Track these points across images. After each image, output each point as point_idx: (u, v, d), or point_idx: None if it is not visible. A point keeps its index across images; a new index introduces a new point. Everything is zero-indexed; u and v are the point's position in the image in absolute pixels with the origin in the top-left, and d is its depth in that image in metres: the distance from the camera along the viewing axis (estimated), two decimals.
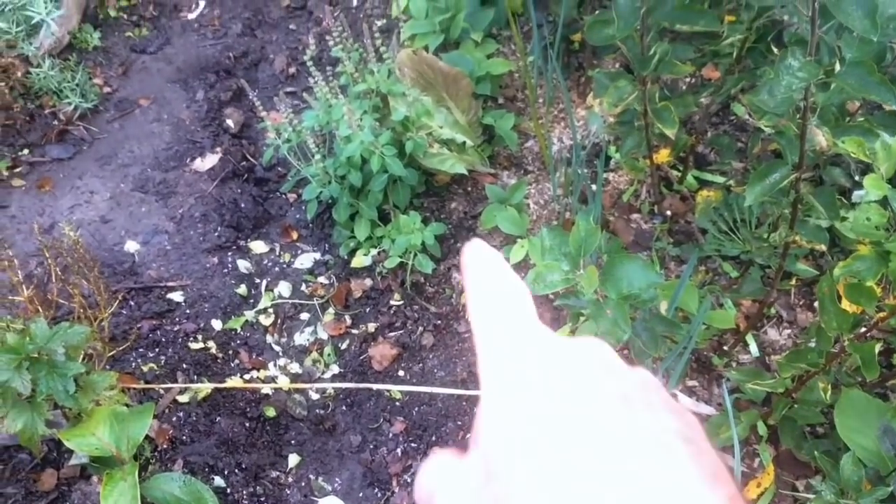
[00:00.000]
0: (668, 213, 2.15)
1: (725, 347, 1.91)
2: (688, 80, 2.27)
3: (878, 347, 1.34)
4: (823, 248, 1.62)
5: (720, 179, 2.18)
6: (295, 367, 2.06)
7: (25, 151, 2.45)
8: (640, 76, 1.64)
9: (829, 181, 1.89)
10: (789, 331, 1.96)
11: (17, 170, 2.41)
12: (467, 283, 0.37)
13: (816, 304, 1.82)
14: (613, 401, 0.30)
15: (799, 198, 1.50)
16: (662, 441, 0.29)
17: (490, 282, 0.37)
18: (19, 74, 2.47)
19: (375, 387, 1.99)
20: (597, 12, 2.42)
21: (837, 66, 1.31)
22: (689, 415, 0.32)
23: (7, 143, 2.45)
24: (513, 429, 0.29)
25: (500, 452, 0.29)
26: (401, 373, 2.03)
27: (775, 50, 1.75)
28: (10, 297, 1.86)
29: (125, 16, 2.85)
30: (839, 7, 1.15)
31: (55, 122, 2.51)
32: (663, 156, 2.10)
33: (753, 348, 1.91)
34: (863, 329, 1.39)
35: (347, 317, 2.14)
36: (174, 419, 1.91)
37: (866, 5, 1.13)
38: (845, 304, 1.43)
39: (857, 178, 1.96)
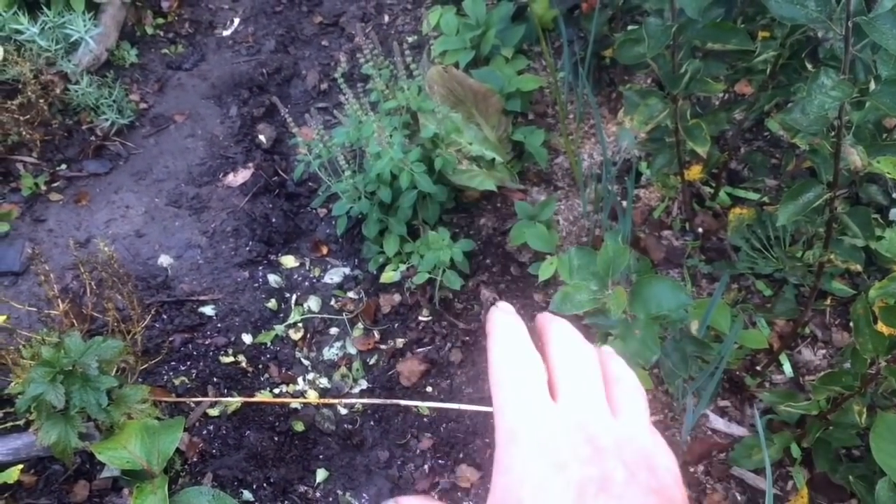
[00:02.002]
0: (700, 230, 2.12)
1: (758, 367, 1.88)
2: (721, 96, 2.24)
3: None
4: (859, 268, 1.59)
5: (754, 196, 2.16)
6: (324, 382, 2.07)
7: (63, 166, 2.50)
8: (672, 94, 1.63)
9: (866, 199, 1.85)
10: (824, 351, 1.92)
11: (56, 184, 2.46)
12: (493, 343, 0.43)
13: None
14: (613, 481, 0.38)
15: (833, 217, 1.47)
16: None
17: (514, 346, 0.43)
18: (58, 91, 2.52)
19: (403, 402, 1.99)
20: (629, 28, 2.42)
21: (872, 85, 1.29)
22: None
23: (46, 158, 2.51)
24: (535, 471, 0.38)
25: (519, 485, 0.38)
26: (429, 389, 2.03)
27: (809, 66, 1.73)
28: (46, 311, 1.89)
29: (161, 33, 2.90)
30: (873, 26, 1.13)
31: (92, 138, 2.56)
32: (695, 172, 2.09)
33: (787, 369, 1.88)
34: None
35: (376, 332, 2.14)
36: (204, 432, 1.92)
37: None
38: (881, 326, 1.40)
39: (894, 195, 1.92)
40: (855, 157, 1.35)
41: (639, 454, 0.40)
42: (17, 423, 1.83)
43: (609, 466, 0.38)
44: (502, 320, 0.44)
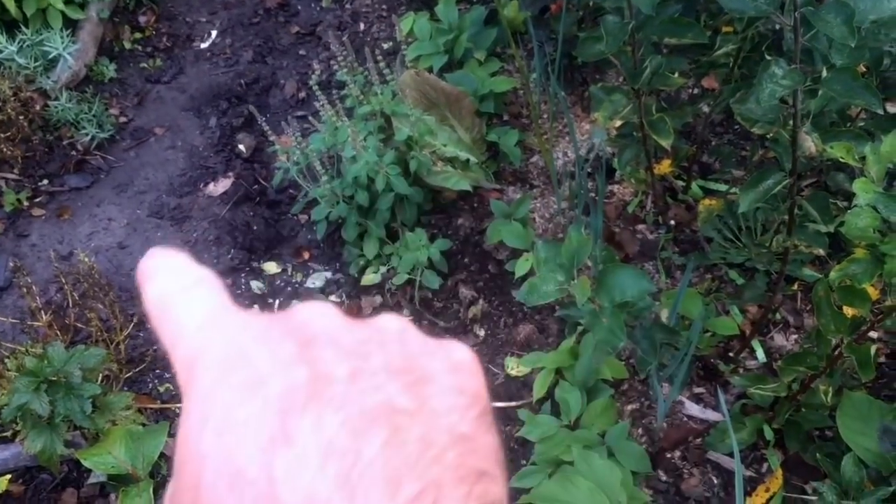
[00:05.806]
0: (673, 222, 2.17)
1: (732, 354, 1.92)
2: (689, 90, 2.29)
3: (874, 349, 1.35)
4: (822, 252, 1.63)
5: (724, 188, 2.20)
6: None
7: (45, 182, 2.53)
8: (635, 89, 1.67)
9: (834, 187, 1.90)
10: (796, 336, 1.97)
11: (38, 200, 2.49)
12: (147, 287, 0.32)
13: None
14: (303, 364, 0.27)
15: (794, 203, 1.51)
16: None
17: (172, 277, 0.32)
18: (38, 108, 2.55)
19: None
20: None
21: (825, 73, 1.33)
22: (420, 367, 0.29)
23: (27, 174, 2.53)
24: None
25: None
26: None
27: (769, 58, 1.77)
28: (29, 323, 1.92)
29: (140, 47, 2.93)
30: (818, 16, 1.17)
31: (73, 153, 2.58)
32: (665, 166, 2.13)
33: (760, 354, 1.92)
34: (861, 331, 1.40)
35: None
36: None
37: (844, 13, 1.16)
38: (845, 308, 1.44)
39: None
40: (809, 143, 1.39)
41: (372, 332, 0.30)
42: (5, 434, 1.86)
43: (323, 360, 0.27)
44: (154, 267, 0.33)
